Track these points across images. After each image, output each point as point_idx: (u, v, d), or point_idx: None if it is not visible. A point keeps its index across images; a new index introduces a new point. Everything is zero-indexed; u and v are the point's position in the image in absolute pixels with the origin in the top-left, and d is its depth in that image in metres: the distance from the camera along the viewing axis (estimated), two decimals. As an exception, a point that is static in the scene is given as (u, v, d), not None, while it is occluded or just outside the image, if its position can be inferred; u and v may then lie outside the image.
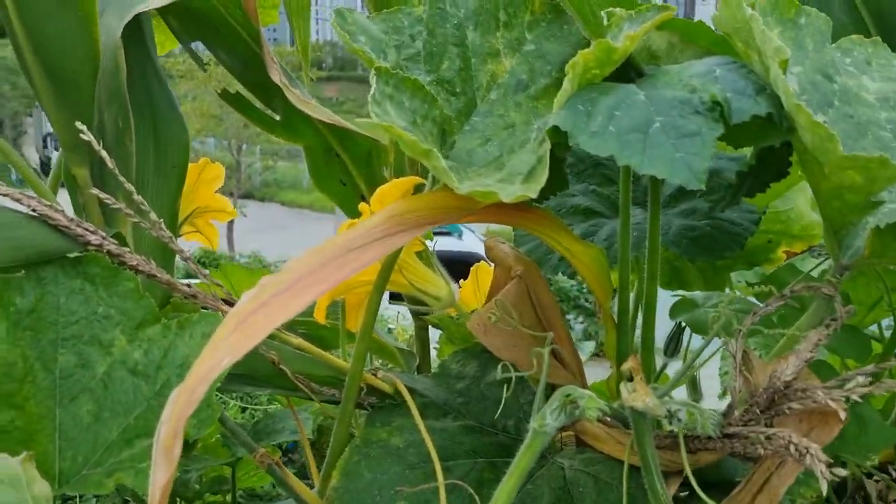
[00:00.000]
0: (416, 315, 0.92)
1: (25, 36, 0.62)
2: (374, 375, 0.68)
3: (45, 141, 24.35)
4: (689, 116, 0.44)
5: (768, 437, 0.47)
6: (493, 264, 0.67)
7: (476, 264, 0.93)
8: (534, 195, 0.46)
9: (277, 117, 0.82)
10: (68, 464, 0.54)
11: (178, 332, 0.57)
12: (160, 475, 0.42)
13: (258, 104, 0.81)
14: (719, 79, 0.46)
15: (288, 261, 0.49)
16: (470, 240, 8.36)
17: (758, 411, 0.49)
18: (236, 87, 0.82)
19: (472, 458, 0.68)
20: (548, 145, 0.48)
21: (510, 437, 0.71)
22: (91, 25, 0.64)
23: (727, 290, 0.98)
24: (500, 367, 0.56)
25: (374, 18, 0.64)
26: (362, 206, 0.63)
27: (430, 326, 0.96)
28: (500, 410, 0.72)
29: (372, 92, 0.50)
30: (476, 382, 0.75)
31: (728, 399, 1.12)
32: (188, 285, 0.62)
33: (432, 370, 0.99)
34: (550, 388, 0.74)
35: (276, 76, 0.75)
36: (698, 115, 0.44)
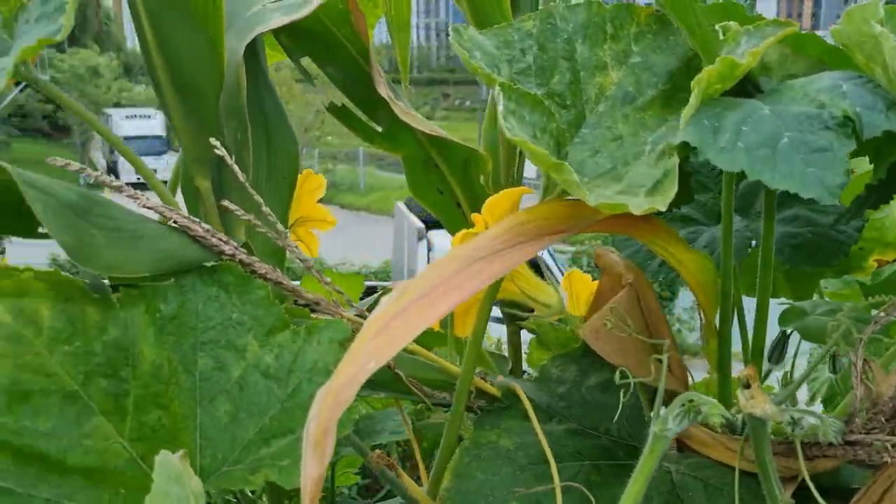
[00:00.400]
0: (511, 320, 0.94)
1: (159, 54, 0.66)
2: (483, 380, 0.70)
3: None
4: (818, 132, 0.45)
5: (895, 445, 0.47)
6: (601, 271, 0.68)
7: (569, 271, 0.94)
8: (663, 208, 0.47)
9: (380, 129, 0.85)
10: (208, 461, 0.57)
11: (307, 337, 0.60)
12: (312, 469, 0.45)
13: (362, 116, 0.84)
14: (847, 94, 0.47)
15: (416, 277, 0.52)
16: None
17: (883, 419, 0.49)
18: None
19: (578, 460, 0.69)
20: (675, 159, 0.49)
21: (612, 440, 0.72)
22: (218, 45, 0.67)
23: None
24: (618, 372, 0.58)
25: (486, 34, 0.66)
26: (475, 216, 0.66)
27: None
28: (599, 414, 0.74)
29: (500, 108, 0.53)
30: (576, 387, 0.77)
31: (818, 403, 1.12)
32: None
33: (523, 375, 1.01)
34: (652, 393, 0.75)
35: (384, 90, 0.78)
36: (828, 130, 0.45)
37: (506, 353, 1.03)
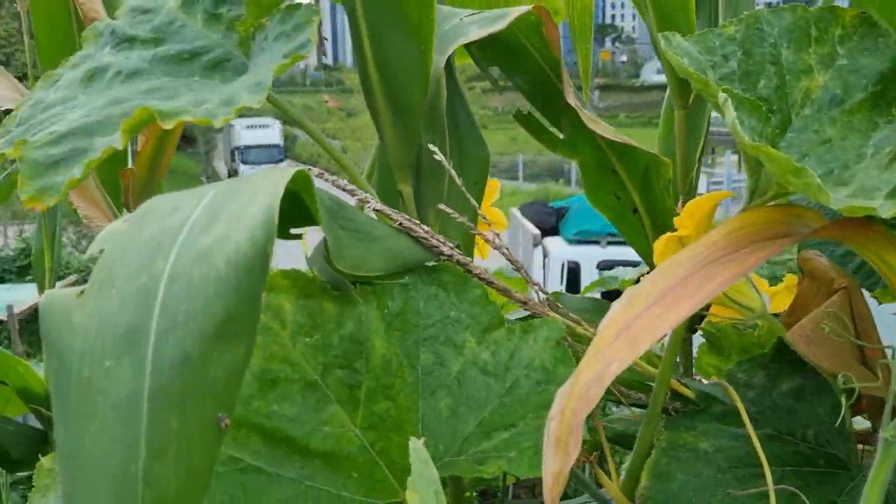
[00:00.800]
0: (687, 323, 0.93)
1: (376, 69, 0.70)
2: (679, 382, 0.71)
3: (232, 154, 26.19)
4: None
5: None
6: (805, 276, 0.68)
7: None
8: (913, 211, 0.47)
9: (561, 136, 0.87)
10: (430, 451, 0.60)
11: (522, 336, 0.62)
12: (553, 465, 0.47)
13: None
14: None
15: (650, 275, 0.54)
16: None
17: None
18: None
19: (779, 465, 0.69)
20: (922, 162, 0.49)
21: (810, 447, 0.71)
22: (427, 59, 0.71)
23: None
24: (840, 377, 0.57)
25: (689, 40, 0.67)
26: (677, 220, 0.66)
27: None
28: (792, 420, 0.73)
29: (732, 115, 0.53)
30: (767, 392, 0.76)
31: None
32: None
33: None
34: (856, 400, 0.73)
35: (572, 99, 0.80)
36: None
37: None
